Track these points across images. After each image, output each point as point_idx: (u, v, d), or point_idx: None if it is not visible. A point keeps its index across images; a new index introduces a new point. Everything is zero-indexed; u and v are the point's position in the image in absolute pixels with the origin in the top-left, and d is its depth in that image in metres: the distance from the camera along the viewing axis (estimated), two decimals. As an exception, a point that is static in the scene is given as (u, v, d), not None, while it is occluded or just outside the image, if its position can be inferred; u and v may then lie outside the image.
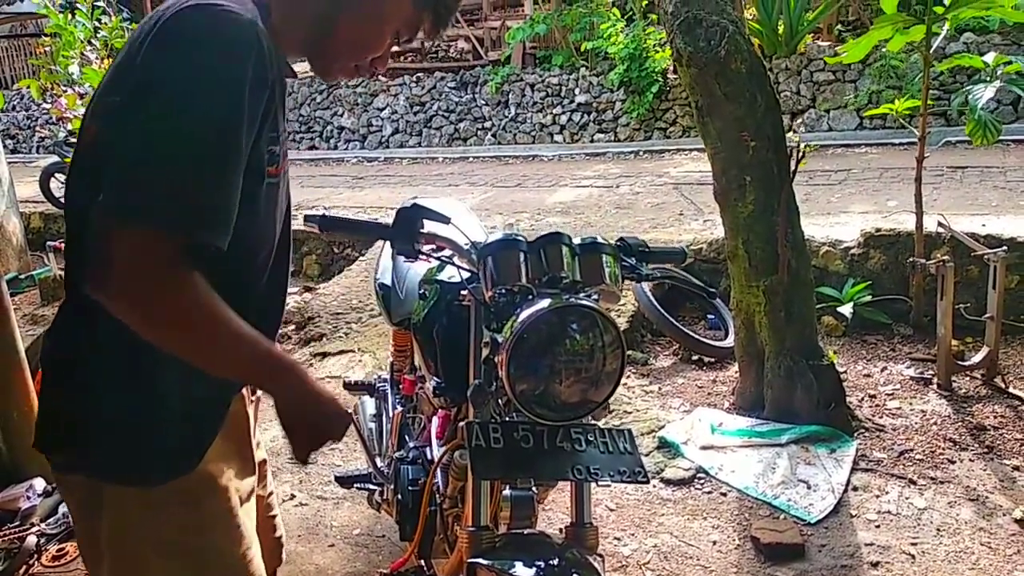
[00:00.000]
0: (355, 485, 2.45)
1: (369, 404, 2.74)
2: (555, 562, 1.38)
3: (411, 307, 2.28)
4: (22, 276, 5.72)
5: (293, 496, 3.10)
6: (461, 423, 1.45)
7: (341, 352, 4.55)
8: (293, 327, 4.99)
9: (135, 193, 0.93)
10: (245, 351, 1.04)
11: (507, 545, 1.44)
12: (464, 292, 1.58)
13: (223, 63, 0.96)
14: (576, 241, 1.50)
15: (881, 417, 3.40)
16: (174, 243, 0.94)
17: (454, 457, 1.66)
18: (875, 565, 2.47)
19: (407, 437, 2.34)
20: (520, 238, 1.48)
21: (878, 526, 2.67)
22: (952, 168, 6.75)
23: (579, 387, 1.41)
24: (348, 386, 2.81)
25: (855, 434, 3.23)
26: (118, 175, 0.95)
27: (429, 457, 2.11)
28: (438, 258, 1.60)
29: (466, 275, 1.56)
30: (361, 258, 6.03)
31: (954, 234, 4.02)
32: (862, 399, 3.57)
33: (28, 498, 2.87)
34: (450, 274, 1.83)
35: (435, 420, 2.02)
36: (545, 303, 1.38)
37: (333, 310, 5.11)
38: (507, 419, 1.45)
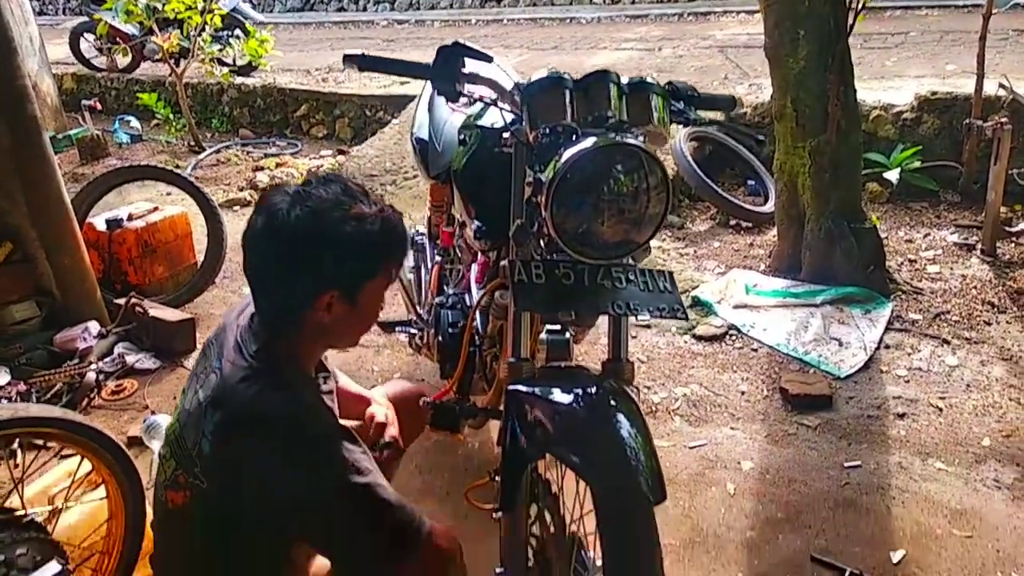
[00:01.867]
0: (396, 329, 2.54)
1: (408, 257, 2.79)
2: (592, 390, 1.43)
3: (449, 159, 2.26)
4: (60, 136, 5.77)
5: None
6: (503, 263, 1.48)
7: (377, 213, 4.58)
8: (329, 189, 5.01)
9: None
10: None
11: (545, 375, 1.50)
12: (506, 135, 1.56)
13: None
14: (624, 80, 1.46)
15: (920, 281, 3.38)
16: None
17: (494, 298, 1.70)
18: (901, 416, 2.53)
19: (445, 286, 2.39)
20: (565, 76, 1.44)
21: (907, 381, 2.71)
22: (1018, 31, 6.31)
23: (622, 227, 1.41)
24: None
25: (892, 296, 3.22)
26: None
27: (468, 303, 2.17)
28: (480, 99, 1.57)
29: (509, 117, 1.54)
30: (394, 121, 5.94)
31: (1015, 96, 3.83)
32: (901, 263, 3.54)
33: (84, 339, 3.03)
34: (491, 120, 1.80)
35: (474, 267, 2.06)
36: (590, 142, 1.36)
37: (367, 171, 5.10)
38: (549, 258, 1.47)
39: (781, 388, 2.68)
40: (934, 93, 4.34)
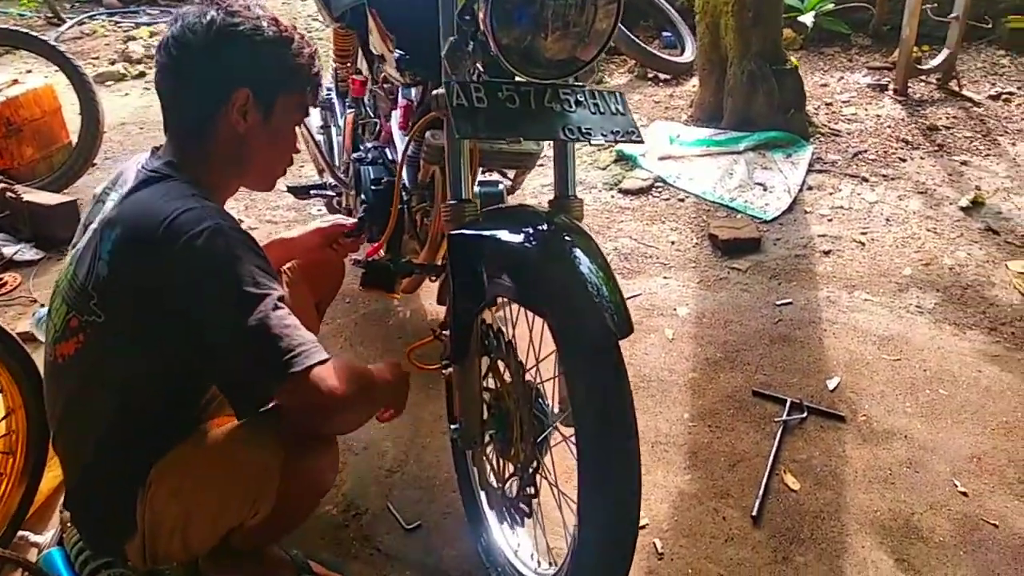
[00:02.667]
0: (311, 193, 2.33)
1: (315, 116, 2.54)
2: (544, 227, 1.31)
3: (354, -3, 2.01)
4: None
5: (241, 222, 2.98)
6: (436, 92, 1.30)
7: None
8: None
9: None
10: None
11: (489, 218, 1.37)
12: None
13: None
14: None
15: (837, 123, 3.38)
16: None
17: (425, 139, 1.53)
18: (827, 253, 2.56)
19: (361, 142, 2.19)
20: None
21: (830, 220, 2.74)
22: None
23: (567, 43, 1.25)
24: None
25: (811, 139, 3.22)
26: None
27: (391, 156, 1.99)
28: None
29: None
30: (280, -19, 5.40)
31: (927, -72, 3.75)
32: (818, 107, 3.53)
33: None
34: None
35: (395, 115, 1.86)
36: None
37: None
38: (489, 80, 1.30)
39: (710, 235, 2.66)
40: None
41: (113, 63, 4.62)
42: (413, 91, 1.76)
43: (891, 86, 3.60)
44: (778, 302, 2.34)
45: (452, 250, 1.32)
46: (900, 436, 1.82)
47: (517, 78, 1.31)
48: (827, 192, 2.90)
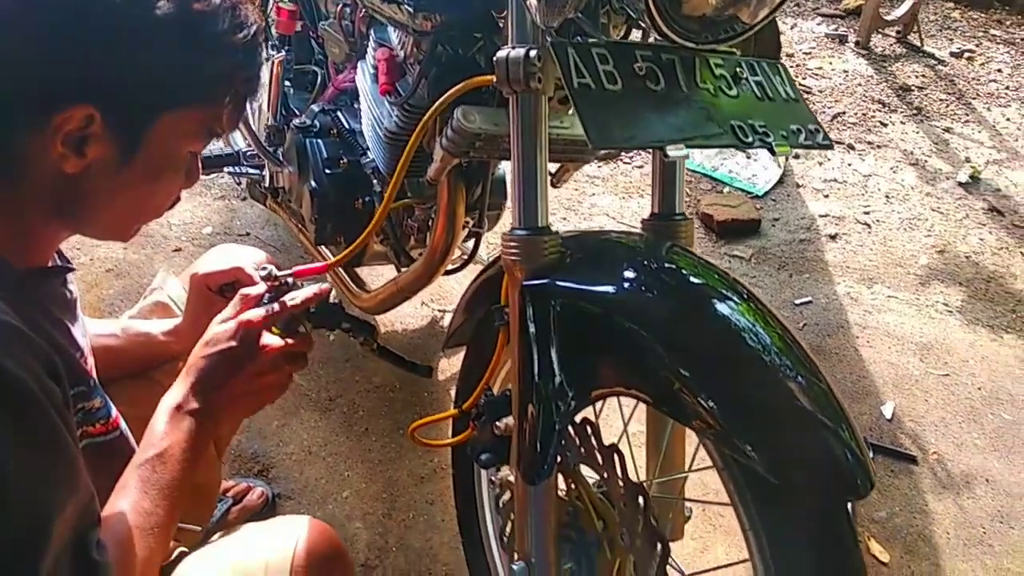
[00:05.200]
0: (226, 170, 1.68)
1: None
2: (649, 263, 0.84)
3: None
4: None
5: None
6: (509, 53, 0.77)
7: None
8: None
9: None
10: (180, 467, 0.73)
11: (579, 254, 0.87)
12: None
13: None
14: None
15: (804, 79, 3.06)
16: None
17: (455, 117, 0.99)
18: (833, 238, 2.24)
19: (293, 104, 1.58)
20: None
21: (827, 196, 2.42)
22: None
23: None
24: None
25: (783, 97, 2.87)
26: None
27: (348, 126, 1.40)
28: None
29: None
30: None
31: None
32: (781, 58, 3.18)
33: None
34: None
35: (364, 68, 1.28)
36: None
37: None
38: (602, 38, 0.79)
39: (703, 214, 2.26)
40: None
41: None
42: (395, 35, 1.18)
43: (852, 38, 3.31)
44: (797, 301, 1.99)
45: (527, 309, 0.82)
46: (980, 479, 1.54)
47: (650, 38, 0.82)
48: (815, 162, 2.57)
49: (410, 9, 0.98)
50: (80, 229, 0.74)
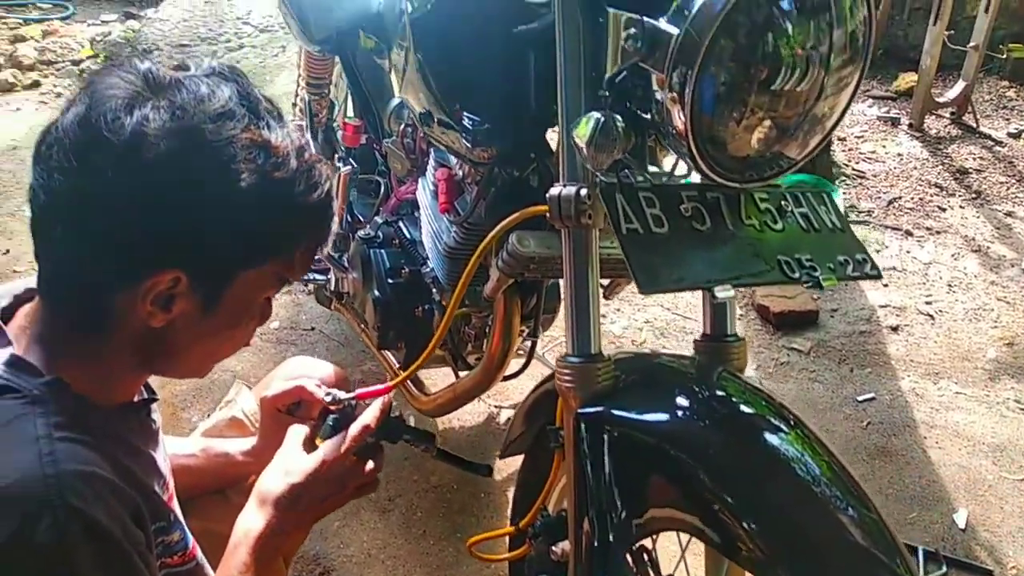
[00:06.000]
0: (294, 277, 1.77)
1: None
2: (700, 391, 0.86)
3: (348, 12, 1.50)
4: None
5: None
6: (560, 191, 0.81)
7: (199, 97, 3.56)
8: (126, 65, 3.85)
9: None
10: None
11: (631, 378, 0.89)
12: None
13: None
14: None
15: (858, 163, 3.06)
16: None
17: (510, 241, 1.04)
18: (895, 329, 2.20)
19: (358, 211, 1.67)
20: None
21: (886, 285, 2.39)
22: None
23: (770, 132, 0.80)
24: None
25: (837, 182, 2.88)
26: None
27: (409, 236, 1.47)
28: None
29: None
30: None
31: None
32: (833, 142, 3.20)
33: None
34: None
35: (425, 185, 1.35)
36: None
37: (175, 41, 3.98)
38: (647, 180, 0.82)
39: (759, 306, 2.25)
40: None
41: (0, 70, 3.86)
42: (453, 157, 1.25)
43: (904, 120, 3.31)
44: (859, 397, 1.95)
45: (581, 437, 0.84)
46: (1065, 595, 1.45)
47: (693, 177, 0.85)
48: (872, 248, 2.54)
49: (468, 144, 1.05)
50: (161, 372, 0.80)
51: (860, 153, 3.13)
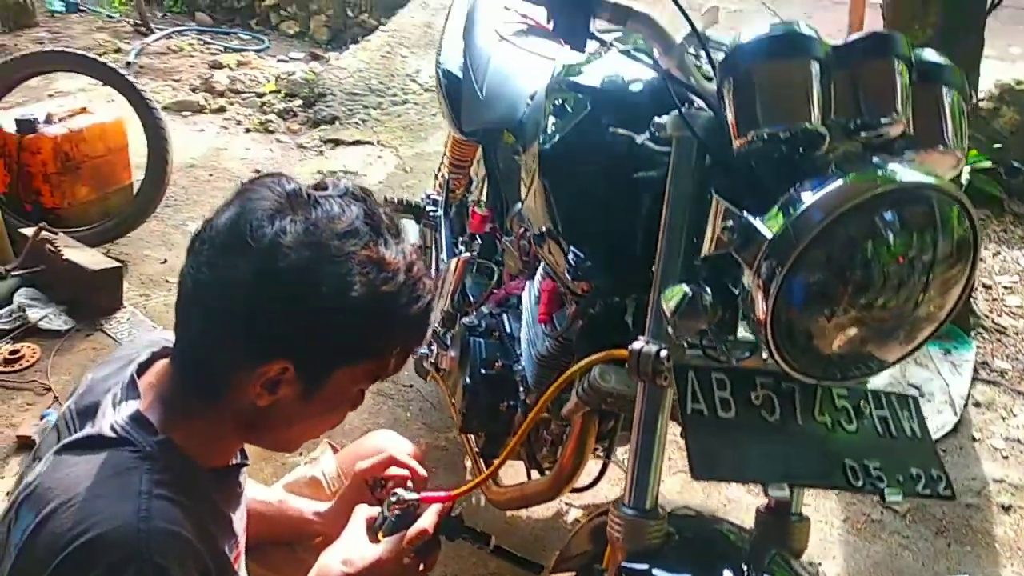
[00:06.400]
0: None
1: (412, 230, 2.13)
2: (748, 572, 0.86)
3: (495, 114, 1.61)
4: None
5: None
6: (641, 347, 0.86)
7: (357, 143, 3.86)
8: (300, 102, 4.23)
9: None
10: None
11: (684, 538, 0.91)
12: (663, 121, 0.91)
13: None
14: (916, 54, 0.83)
15: (1000, 315, 2.87)
16: None
17: (591, 375, 1.08)
18: (1006, 509, 2.04)
19: (470, 292, 1.76)
20: (810, 35, 0.79)
21: (1006, 457, 2.22)
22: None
23: (864, 332, 0.80)
24: (387, 204, 2.16)
25: (972, 333, 2.71)
26: None
27: (509, 331, 1.55)
28: (631, 54, 0.92)
29: (673, 91, 0.89)
30: (382, 29, 5.09)
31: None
32: (976, 289, 3.02)
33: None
34: (600, 74, 1.14)
35: (531, 292, 1.43)
36: (863, 181, 0.74)
37: (348, 89, 4.32)
38: (724, 361, 0.85)
39: (860, 450, 2.15)
40: (1019, 82, 3.77)
41: (194, 90, 4.33)
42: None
43: (1063, 278, 3.08)
44: (952, 576, 1.82)
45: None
46: None
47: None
48: (998, 414, 2.38)
49: (568, 276, 1.11)
50: (257, 443, 0.91)
51: (1005, 306, 2.94)
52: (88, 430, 0.83)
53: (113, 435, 0.81)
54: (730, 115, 0.80)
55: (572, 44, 0.90)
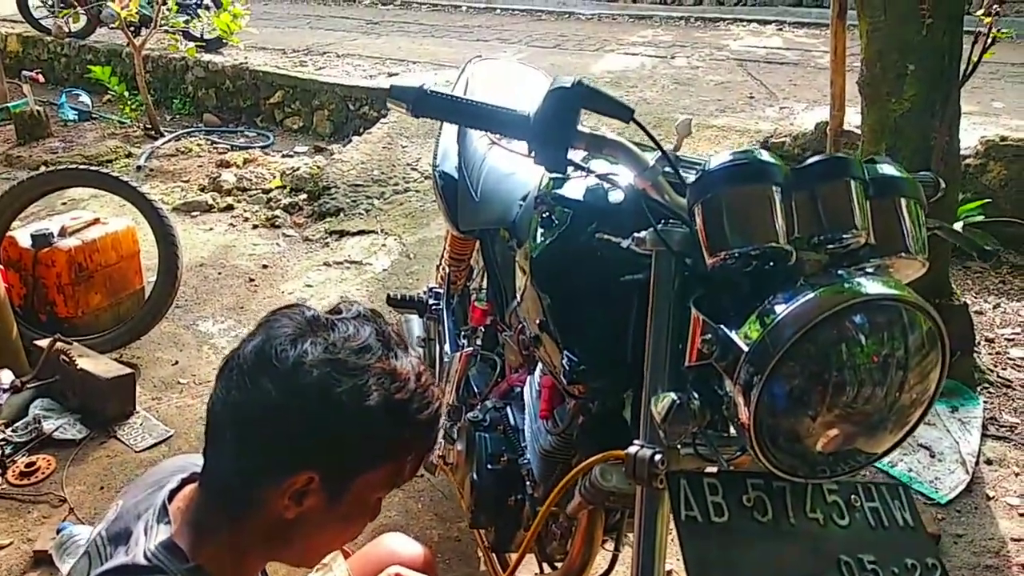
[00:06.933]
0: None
1: (416, 325, 2.19)
2: None
3: (490, 215, 1.68)
4: (-4, 106, 5.01)
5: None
6: (636, 452, 0.90)
7: (361, 232, 3.96)
8: (305, 196, 4.36)
9: None
10: None
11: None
12: (641, 236, 0.97)
13: None
14: (869, 173, 0.89)
15: (1005, 369, 2.89)
16: None
17: (592, 474, 1.12)
18: (1028, 570, 2.02)
19: (474, 383, 1.80)
20: (770, 162, 0.86)
21: (1022, 514, 2.21)
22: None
23: (852, 427, 0.85)
24: (392, 302, 2.23)
25: (979, 389, 2.72)
26: None
27: (513, 423, 1.58)
28: (606, 180, 0.99)
29: (647, 208, 0.96)
30: (382, 120, 5.28)
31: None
32: (979, 343, 3.04)
33: (-9, 396, 2.37)
34: (582, 187, 1.22)
35: (532, 386, 1.47)
36: (830, 296, 0.79)
37: (351, 181, 4.46)
38: (720, 467, 0.89)
39: (875, 517, 2.14)
40: (1003, 139, 3.87)
41: (203, 190, 4.48)
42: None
43: (1064, 326, 3.10)
44: (977, 645, 1.80)
45: None
46: None
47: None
48: (1012, 470, 2.38)
49: (564, 379, 1.16)
50: (280, 557, 0.95)
51: (1009, 358, 2.96)
52: (122, 558, 0.87)
53: (146, 563, 0.86)
54: (702, 236, 0.86)
55: (553, 171, 0.97)
